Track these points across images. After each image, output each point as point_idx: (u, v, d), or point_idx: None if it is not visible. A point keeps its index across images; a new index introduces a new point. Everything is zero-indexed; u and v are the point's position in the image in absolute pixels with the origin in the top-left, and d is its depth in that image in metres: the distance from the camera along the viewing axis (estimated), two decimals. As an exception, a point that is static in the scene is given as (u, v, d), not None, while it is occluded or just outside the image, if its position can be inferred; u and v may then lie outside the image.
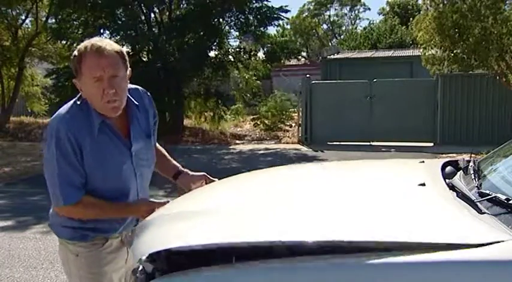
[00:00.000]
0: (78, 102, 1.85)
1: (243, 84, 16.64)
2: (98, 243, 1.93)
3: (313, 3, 44.89)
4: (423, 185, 1.67)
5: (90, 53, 1.74)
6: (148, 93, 2.05)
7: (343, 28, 45.64)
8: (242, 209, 1.68)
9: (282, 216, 1.56)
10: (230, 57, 16.05)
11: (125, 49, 1.89)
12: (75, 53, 1.78)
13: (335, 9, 46.65)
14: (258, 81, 17.94)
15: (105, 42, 1.80)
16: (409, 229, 1.36)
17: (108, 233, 1.95)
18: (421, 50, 12.39)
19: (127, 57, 1.85)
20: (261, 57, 16.58)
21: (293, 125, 16.10)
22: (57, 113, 1.84)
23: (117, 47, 1.82)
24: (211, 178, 2.17)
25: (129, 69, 1.87)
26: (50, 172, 1.83)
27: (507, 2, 10.86)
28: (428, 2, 11.30)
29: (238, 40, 16.46)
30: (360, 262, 1.25)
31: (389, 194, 1.73)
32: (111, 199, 1.90)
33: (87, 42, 1.79)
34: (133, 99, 1.92)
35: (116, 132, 1.88)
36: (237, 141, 14.85)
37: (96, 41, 1.79)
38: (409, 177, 1.86)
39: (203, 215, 1.63)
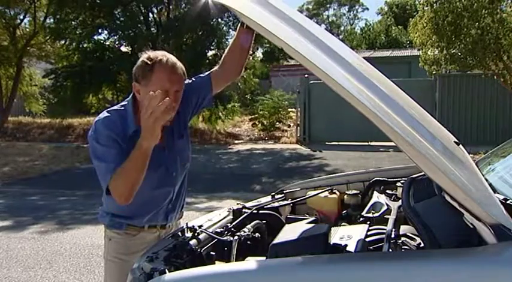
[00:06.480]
0: (122, 108, 1.96)
1: (241, 83, 16.58)
2: (130, 233, 2.05)
3: (312, 3, 44.95)
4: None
5: (165, 66, 1.86)
6: None
7: (342, 28, 45.71)
8: None
9: None
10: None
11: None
12: (147, 61, 1.86)
13: (333, 9, 46.76)
14: (256, 79, 17.84)
15: (175, 59, 1.92)
16: None
17: (134, 219, 2.04)
18: (419, 52, 12.37)
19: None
20: (259, 57, 16.50)
21: (291, 125, 16.09)
22: (98, 116, 1.95)
23: (182, 65, 1.95)
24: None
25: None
26: (96, 164, 1.86)
27: (504, 1, 10.82)
28: (423, 1, 11.26)
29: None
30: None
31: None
32: (153, 195, 2.01)
33: (159, 55, 1.88)
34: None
35: None
36: (236, 141, 14.85)
37: (168, 56, 1.89)
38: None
39: None
